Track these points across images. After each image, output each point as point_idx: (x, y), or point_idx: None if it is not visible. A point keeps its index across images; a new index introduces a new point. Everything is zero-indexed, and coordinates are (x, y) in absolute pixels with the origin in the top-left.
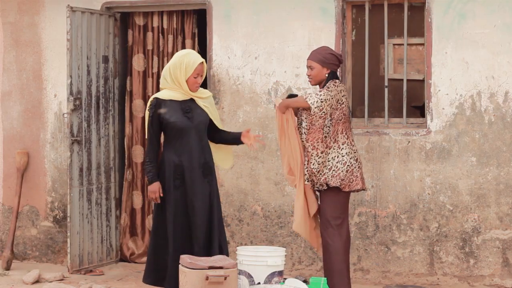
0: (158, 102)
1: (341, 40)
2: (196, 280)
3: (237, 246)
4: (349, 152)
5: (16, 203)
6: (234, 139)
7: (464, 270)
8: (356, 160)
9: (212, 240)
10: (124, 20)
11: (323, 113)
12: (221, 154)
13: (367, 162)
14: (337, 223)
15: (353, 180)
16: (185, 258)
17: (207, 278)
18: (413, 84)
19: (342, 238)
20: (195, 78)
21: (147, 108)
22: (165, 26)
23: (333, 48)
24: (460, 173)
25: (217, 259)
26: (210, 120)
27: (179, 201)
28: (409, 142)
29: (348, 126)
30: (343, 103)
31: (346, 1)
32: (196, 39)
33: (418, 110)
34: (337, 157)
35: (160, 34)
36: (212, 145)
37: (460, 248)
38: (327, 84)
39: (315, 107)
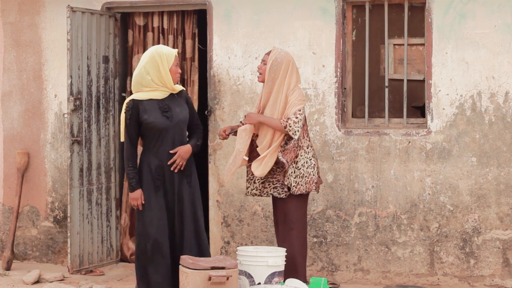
0: (135, 103)
1: (341, 40)
2: (198, 280)
3: (238, 246)
4: (314, 154)
5: (16, 203)
6: None
7: (465, 271)
8: (316, 159)
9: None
10: (124, 20)
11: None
12: None
13: (368, 162)
14: (301, 226)
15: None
16: (185, 259)
17: (209, 279)
18: (414, 84)
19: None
20: (176, 66)
21: (123, 111)
22: (165, 26)
23: (333, 48)
24: (461, 173)
25: (218, 260)
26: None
27: (161, 204)
28: (409, 142)
29: (306, 128)
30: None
31: (347, 1)
32: (197, 39)
33: (419, 110)
34: (306, 162)
35: (161, 34)
36: None
37: (461, 248)
38: (297, 95)
39: (296, 137)
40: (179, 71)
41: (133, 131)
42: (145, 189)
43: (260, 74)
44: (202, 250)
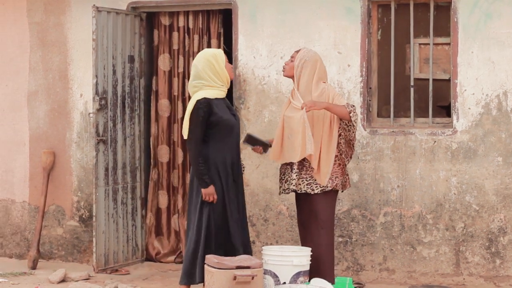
0: (208, 101)
1: (366, 40)
2: (224, 280)
3: (263, 246)
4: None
5: (42, 203)
6: None
7: (490, 271)
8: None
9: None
10: (149, 20)
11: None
12: None
13: (393, 162)
14: (330, 225)
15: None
16: (211, 258)
17: (234, 278)
18: (439, 83)
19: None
20: (227, 63)
21: (192, 109)
22: (190, 26)
23: (358, 48)
24: (486, 173)
25: (243, 259)
26: None
27: (235, 199)
28: (435, 142)
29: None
30: None
31: (372, 0)
32: (222, 39)
33: (444, 109)
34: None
35: (186, 34)
36: None
37: (486, 248)
38: (334, 91)
39: (356, 125)
40: (231, 66)
41: (203, 128)
42: (223, 185)
43: (284, 69)
44: (246, 237)
